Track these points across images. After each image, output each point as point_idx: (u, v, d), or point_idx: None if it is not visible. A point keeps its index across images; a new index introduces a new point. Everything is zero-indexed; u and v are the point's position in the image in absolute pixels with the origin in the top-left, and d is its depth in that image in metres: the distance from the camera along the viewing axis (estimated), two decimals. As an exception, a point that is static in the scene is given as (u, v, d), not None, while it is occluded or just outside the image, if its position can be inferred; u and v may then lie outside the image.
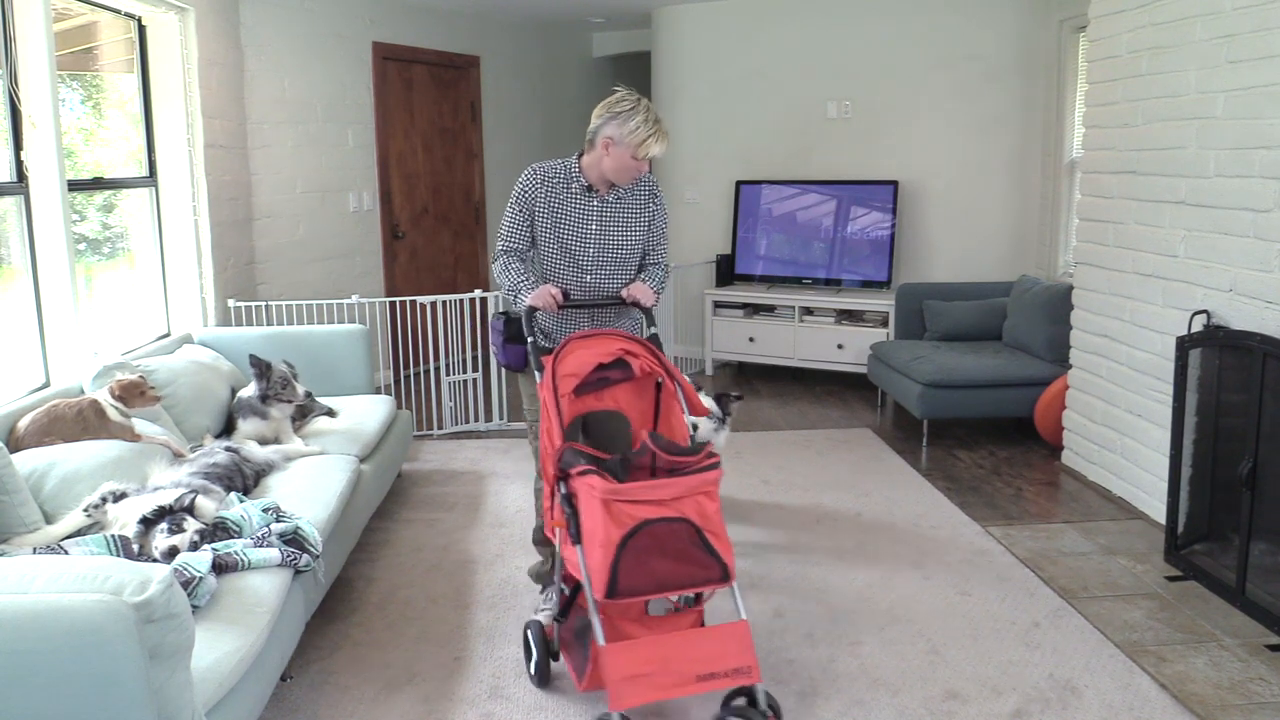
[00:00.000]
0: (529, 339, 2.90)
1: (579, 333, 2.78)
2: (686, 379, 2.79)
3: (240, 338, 4.51)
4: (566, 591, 2.81)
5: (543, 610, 3.21)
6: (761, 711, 2.44)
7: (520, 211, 3.05)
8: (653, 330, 3.00)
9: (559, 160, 3.08)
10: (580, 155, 3.06)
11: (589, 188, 3.04)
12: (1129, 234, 4.16)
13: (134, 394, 3.26)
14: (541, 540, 3.27)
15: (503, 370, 5.41)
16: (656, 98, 7.20)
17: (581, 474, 2.39)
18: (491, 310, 5.55)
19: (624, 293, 3.08)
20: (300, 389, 3.88)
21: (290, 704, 2.77)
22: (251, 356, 3.89)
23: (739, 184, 6.85)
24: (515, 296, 3.00)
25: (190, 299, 4.97)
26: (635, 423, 2.81)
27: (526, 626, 2.89)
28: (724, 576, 2.40)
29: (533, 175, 3.04)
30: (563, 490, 2.49)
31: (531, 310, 2.94)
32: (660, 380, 2.82)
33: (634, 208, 3.11)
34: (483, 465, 4.95)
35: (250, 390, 3.88)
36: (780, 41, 6.77)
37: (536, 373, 2.79)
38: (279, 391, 3.82)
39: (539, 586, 3.38)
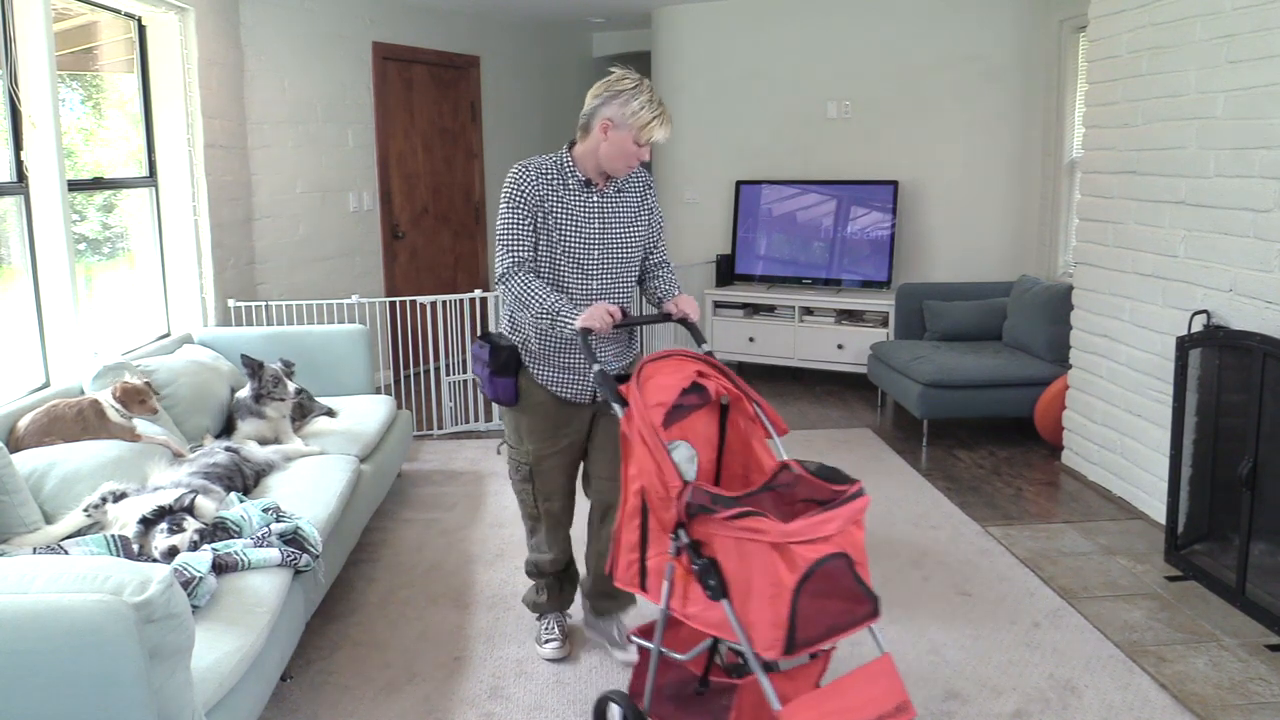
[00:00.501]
0: (596, 367, 2.49)
1: (651, 355, 2.42)
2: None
3: (240, 338, 4.51)
4: (680, 657, 2.41)
5: (548, 641, 3.03)
6: None
7: (523, 215, 2.70)
8: (705, 347, 2.66)
9: (547, 155, 2.77)
10: (571, 146, 2.75)
11: (587, 182, 2.73)
12: (1129, 234, 4.16)
13: (134, 399, 3.25)
14: (535, 573, 3.09)
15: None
16: (656, 98, 7.19)
17: (736, 517, 2.06)
18: (493, 319, 5.54)
19: (669, 306, 2.79)
20: (291, 387, 3.87)
21: (290, 704, 2.77)
22: (243, 356, 3.89)
23: (739, 184, 6.85)
24: (553, 320, 2.61)
25: (190, 299, 4.97)
26: (702, 451, 2.52)
27: (607, 698, 2.54)
28: (876, 610, 2.18)
29: (525, 172, 2.70)
30: (684, 539, 2.16)
31: (586, 333, 2.55)
32: (725, 401, 2.51)
33: (633, 202, 2.83)
34: (483, 465, 4.95)
35: (246, 391, 3.89)
36: (780, 41, 6.77)
37: (616, 406, 2.40)
38: (271, 390, 3.82)
39: (535, 615, 3.18)
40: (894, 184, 6.37)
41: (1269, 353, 3.12)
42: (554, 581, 3.09)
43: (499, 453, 2.93)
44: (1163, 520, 3.80)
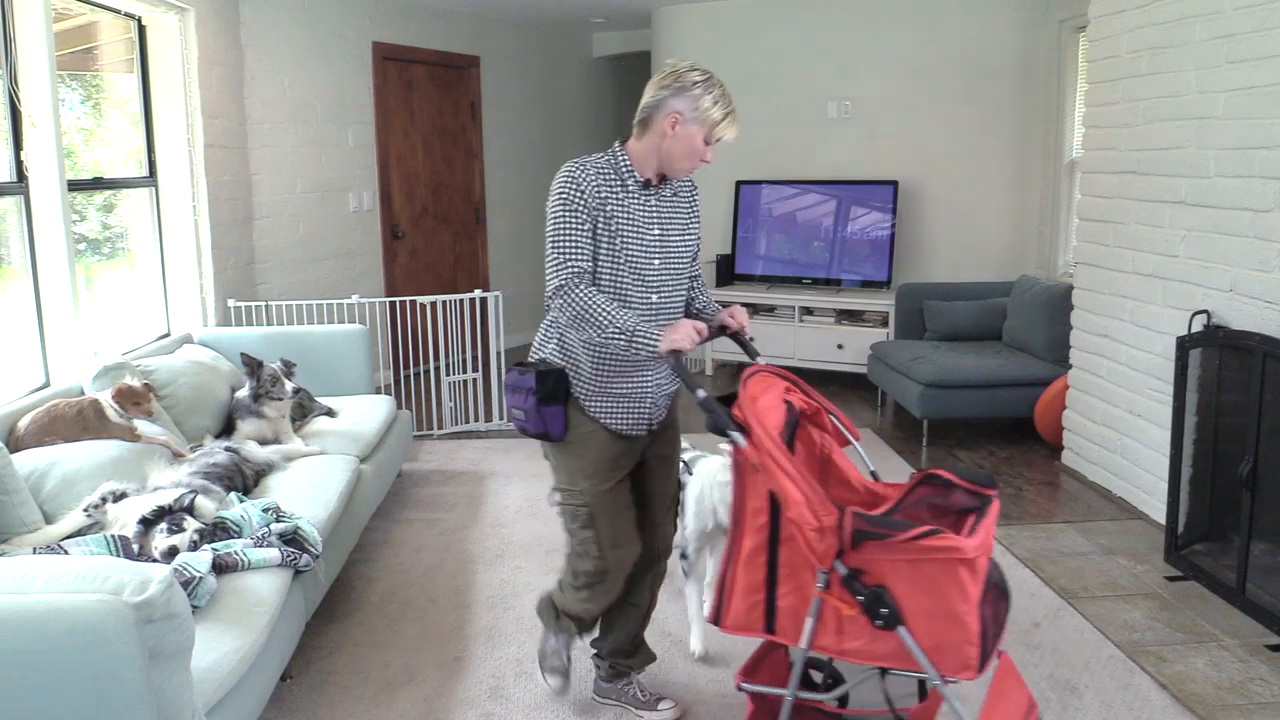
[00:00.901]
0: (701, 393, 2.20)
1: (747, 373, 2.24)
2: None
3: (240, 338, 4.51)
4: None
5: (549, 650, 2.80)
6: None
7: (583, 219, 2.34)
8: (760, 359, 2.49)
9: (600, 154, 2.45)
10: (623, 143, 2.45)
11: (646, 183, 2.43)
12: (1129, 234, 4.16)
13: (128, 401, 3.25)
14: (564, 621, 2.70)
15: (503, 370, 5.34)
16: (656, 98, 7.19)
17: (920, 537, 1.93)
18: (493, 319, 5.53)
19: (724, 319, 2.53)
20: (289, 386, 3.86)
21: (290, 704, 2.77)
22: (243, 355, 3.89)
23: (739, 184, 6.85)
24: (630, 339, 2.27)
25: (190, 299, 4.97)
26: None
27: None
28: (1010, 606, 2.12)
29: (583, 170, 2.36)
30: (842, 570, 2.02)
31: (676, 355, 2.26)
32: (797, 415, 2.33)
33: (685, 206, 2.53)
34: (483, 465, 4.95)
35: (245, 390, 3.88)
36: (780, 41, 6.77)
37: (738, 435, 2.13)
38: (269, 389, 3.82)
39: (544, 626, 2.82)
40: (894, 184, 6.37)
41: (1269, 353, 3.12)
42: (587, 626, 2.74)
43: (551, 504, 2.69)
44: (1163, 520, 3.79)
